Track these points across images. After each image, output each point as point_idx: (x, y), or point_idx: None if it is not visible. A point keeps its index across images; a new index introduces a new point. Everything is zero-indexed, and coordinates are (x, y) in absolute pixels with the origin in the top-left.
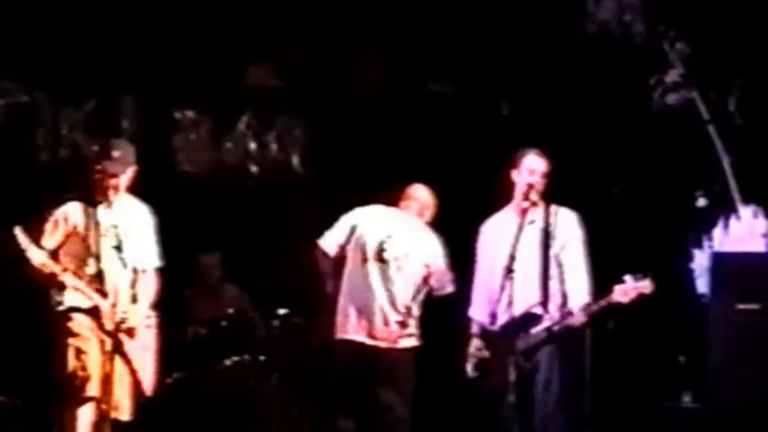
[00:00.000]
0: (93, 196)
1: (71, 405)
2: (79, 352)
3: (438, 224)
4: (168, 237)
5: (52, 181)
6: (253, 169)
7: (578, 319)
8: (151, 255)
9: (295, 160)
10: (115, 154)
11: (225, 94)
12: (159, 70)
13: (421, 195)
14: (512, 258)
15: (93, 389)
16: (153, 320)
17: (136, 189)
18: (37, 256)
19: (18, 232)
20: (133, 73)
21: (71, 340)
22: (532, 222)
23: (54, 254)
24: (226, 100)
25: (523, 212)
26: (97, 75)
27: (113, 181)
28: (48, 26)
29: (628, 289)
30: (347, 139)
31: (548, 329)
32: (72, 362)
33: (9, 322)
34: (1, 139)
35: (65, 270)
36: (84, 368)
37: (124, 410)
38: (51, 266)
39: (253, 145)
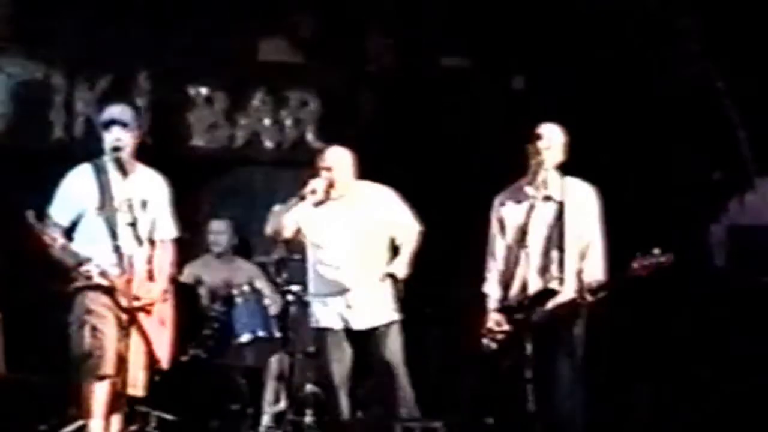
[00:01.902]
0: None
1: (88, 382)
2: (94, 329)
3: (452, 200)
4: (182, 213)
5: (66, 159)
6: (268, 144)
7: (595, 294)
8: (168, 226)
9: (310, 136)
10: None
11: (239, 69)
12: (173, 46)
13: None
14: (526, 232)
15: (109, 366)
16: (169, 294)
17: (150, 165)
18: (51, 238)
19: (30, 215)
20: (147, 50)
21: (87, 318)
22: (548, 194)
23: (69, 231)
24: (240, 75)
25: (538, 185)
26: (112, 51)
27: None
28: (64, 2)
29: (646, 262)
30: (361, 114)
31: (564, 304)
32: (88, 340)
33: (26, 299)
34: (16, 116)
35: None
36: (100, 346)
37: (139, 386)
38: (68, 247)
39: (267, 121)
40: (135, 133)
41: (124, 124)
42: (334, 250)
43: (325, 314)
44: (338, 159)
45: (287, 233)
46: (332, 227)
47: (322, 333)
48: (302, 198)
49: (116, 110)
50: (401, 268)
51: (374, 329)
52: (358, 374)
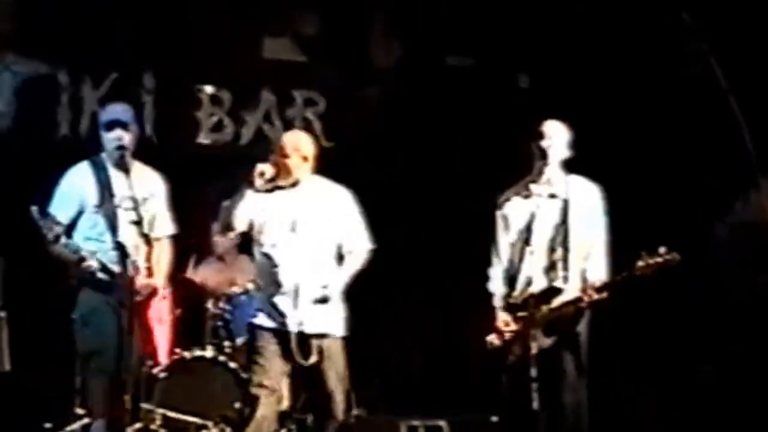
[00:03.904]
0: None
1: (92, 380)
2: (98, 327)
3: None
4: (188, 212)
5: (71, 156)
6: (275, 142)
7: (599, 292)
8: (165, 223)
9: (317, 134)
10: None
11: (244, 68)
12: (179, 44)
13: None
14: (531, 230)
15: (113, 364)
16: (167, 292)
17: (156, 163)
18: (53, 234)
19: (34, 210)
20: (153, 48)
21: (91, 315)
22: (552, 192)
23: (70, 228)
24: (245, 74)
25: (543, 183)
26: (118, 49)
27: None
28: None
29: (652, 261)
30: (366, 113)
31: (569, 303)
32: (92, 337)
33: (30, 296)
34: (21, 113)
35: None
36: (104, 343)
37: (141, 383)
38: (69, 243)
39: (274, 119)
40: (136, 133)
41: (125, 125)
42: (280, 244)
43: (266, 312)
44: (295, 144)
45: (240, 226)
46: (282, 217)
47: (257, 331)
48: (250, 184)
49: (118, 110)
50: (335, 291)
51: (315, 336)
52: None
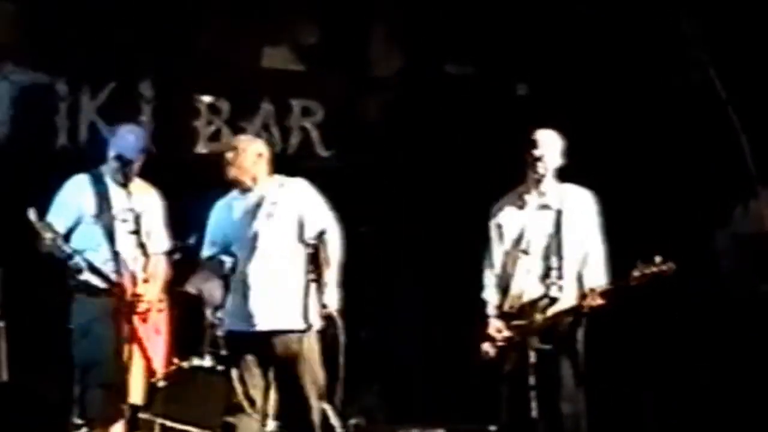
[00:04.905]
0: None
1: (90, 390)
2: (97, 337)
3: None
4: (186, 222)
5: (70, 165)
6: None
7: (595, 300)
8: (161, 239)
9: (316, 143)
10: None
11: (243, 77)
12: (177, 53)
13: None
14: (525, 239)
15: (111, 374)
16: (164, 304)
17: (154, 173)
18: (50, 239)
19: (32, 213)
20: (151, 57)
21: (89, 325)
22: (545, 202)
23: (67, 236)
24: (244, 83)
25: (537, 193)
26: (116, 58)
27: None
28: (68, 10)
29: (647, 270)
30: (365, 122)
31: (565, 311)
32: (90, 347)
33: (29, 306)
34: (20, 122)
35: (78, 252)
36: (102, 353)
37: (137, 394)
38: (65, 248)
39: (272, 128)
40: (143, 155)
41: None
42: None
43: (231, 314)
44: (242, 150)
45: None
46: (238, 223)
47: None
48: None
49: (131, 142)
50: (332, 299)
51: (278, 333)
52: (360, 380)
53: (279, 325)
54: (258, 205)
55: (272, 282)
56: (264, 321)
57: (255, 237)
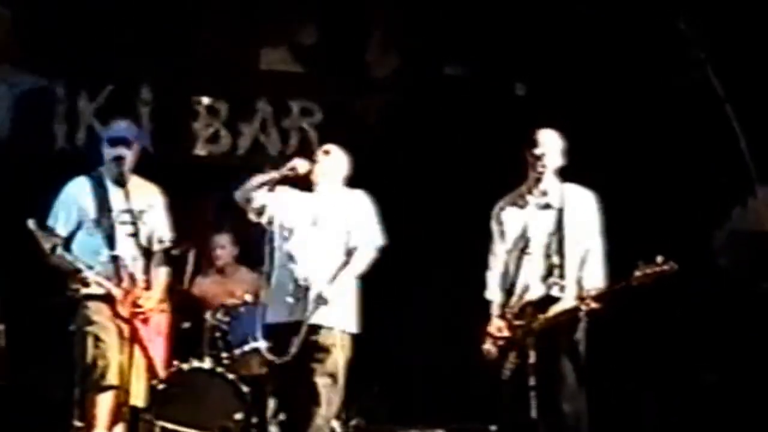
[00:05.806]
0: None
1: (91, 392)
2: (97, 339)
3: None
4: (184, 222)
5: (68, 168)
6: (270, 153)
7: (596, 301)
8: (164, 236)
9: (314, 144)
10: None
11: (241, 78)
12: (175, 56)
13: None
14: (526, 239)
15: (112, 376)
16: (165, 305)
17: (154, 174)
18: (50, 245)
19: (31, 223)
20: (149, 59)
21: (89, 328)
22: (547, 201)
23: (68, 241)
24: (242, 85)
25: (538, 192)
26: (114, 61)
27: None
28: (65, 13)
29: (649, 271)
30: (364, 123)
31: (566, 311)
32: (91, 350)
33: (29, 309)
34: (18, 125)
35: (83, 263)
36: (103, 356)
37: (139, 396)
38: (65, 254)
39: (270, 129)
40: (138, 149)
41: (127, 142)
42: (297, 243)
43: (278, 308)
44: (333, 162)
45: (254, 204)
46: (301, 219)
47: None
48: (282, 177)
49: (122, 127)
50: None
51: (321, 327)
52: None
53: (321, 321)
54: (318, 209)
55: (319, 282)
56: (311, 316)
57: (307, 238)
